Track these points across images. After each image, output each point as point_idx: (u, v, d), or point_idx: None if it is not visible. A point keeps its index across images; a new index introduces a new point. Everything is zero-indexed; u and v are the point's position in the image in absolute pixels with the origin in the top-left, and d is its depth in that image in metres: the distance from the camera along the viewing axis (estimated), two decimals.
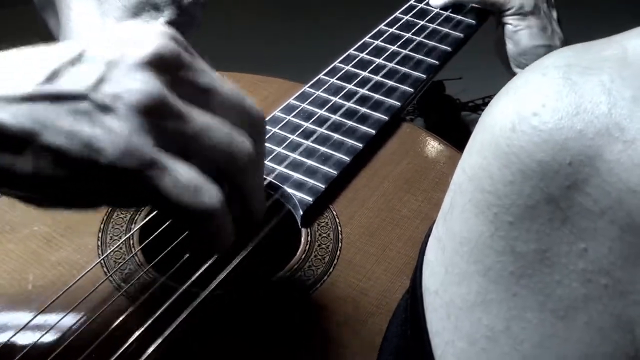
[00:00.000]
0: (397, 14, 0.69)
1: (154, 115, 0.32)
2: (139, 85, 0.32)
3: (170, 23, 0.69)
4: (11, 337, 0.40)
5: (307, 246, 0.49)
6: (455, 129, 0.93)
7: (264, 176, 0.52)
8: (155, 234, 0.48)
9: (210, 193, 0.33)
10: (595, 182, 0.29)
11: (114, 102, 0.31)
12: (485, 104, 0.96)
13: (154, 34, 0.34)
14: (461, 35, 0.67)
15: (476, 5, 0.71)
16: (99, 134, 0.31)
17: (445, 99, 0.95)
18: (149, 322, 0.41)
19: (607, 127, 0.29)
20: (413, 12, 0.69)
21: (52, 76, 0.32)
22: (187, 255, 0.43)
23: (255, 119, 0.37)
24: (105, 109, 0.31)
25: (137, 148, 0.31)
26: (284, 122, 0.57)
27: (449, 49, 0.65)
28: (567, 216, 0.30)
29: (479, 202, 0.32)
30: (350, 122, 0.57)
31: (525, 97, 0.32)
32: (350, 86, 0.60)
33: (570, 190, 0.30)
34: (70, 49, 0.33)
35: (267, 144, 0.54)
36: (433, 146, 0.58)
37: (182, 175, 0.32)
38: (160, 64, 0.33)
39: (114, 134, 0.31)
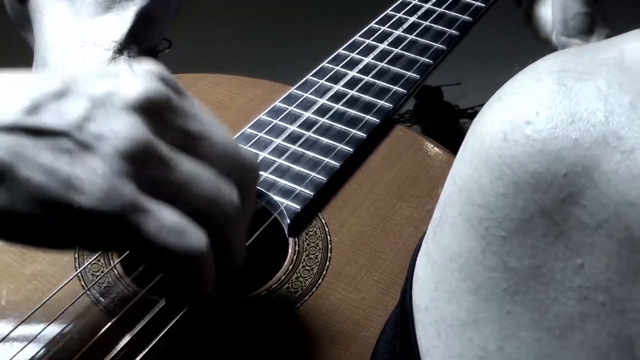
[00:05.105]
0: (388, 11, 0.68)
1: (137, 161, 0.31)
2: (124, 129, 0.31)
3: (144, 10, 0.68)
4: None
5: (295, 256, 0.47)
6: (454, 137, 0.90)
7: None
8: None
9: (196, 235, 0.32)
10: (591, 194, 0.29)
11: (96, 142, 0.31)
12: None
13: (145, 74, 0.33)
14: (456, 32, 0.65)
15: None
16: (79, 173, 0.30)
17: (443, 106, 0.93)
18: (128, 338, 0.40)
19: (604, 136, 0.29)
20: (405, 9, 0.68)
21: (35, 108, 0.31)
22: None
23: (246, 167, 0.36)
24: (87, 148, 0.31)
25: (118, 190, 0.30)
26: (270, 125, 0.55)
27: (443, 47, 0.63)
28: (563, 230, 0.29)
29: (469, 216, 0.32)
30: (340, 126, 0.55)
31: (518, 105, 0.31)
32: (339, 87, 0.59)
33: (565, 203, 0.29)
34: (55, 81, 0.32)
35: (252, 149, 0.53)
36: (426, 150, 0.56)
37: (166, 218, 0.32)
38: (148, 108, 0.32)
39: (94, 174, 0.30)
